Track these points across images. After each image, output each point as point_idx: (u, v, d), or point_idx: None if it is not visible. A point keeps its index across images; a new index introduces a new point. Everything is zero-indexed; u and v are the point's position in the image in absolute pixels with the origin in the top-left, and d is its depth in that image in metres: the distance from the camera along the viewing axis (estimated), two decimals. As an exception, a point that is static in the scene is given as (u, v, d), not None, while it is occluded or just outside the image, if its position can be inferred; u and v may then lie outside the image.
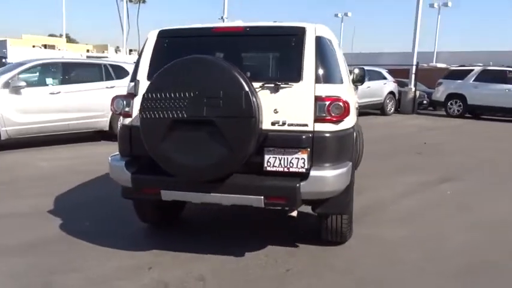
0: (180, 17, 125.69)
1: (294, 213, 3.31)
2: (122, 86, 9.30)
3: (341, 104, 3.13)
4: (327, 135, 3.12)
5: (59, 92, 8.17)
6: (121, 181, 3.41)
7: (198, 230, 4.18)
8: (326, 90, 3.16)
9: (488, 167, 7.46)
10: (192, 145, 2.97)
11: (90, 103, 8.54)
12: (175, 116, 2.94)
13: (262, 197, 3.05)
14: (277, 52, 3.51)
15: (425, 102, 19.14)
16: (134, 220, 4.11)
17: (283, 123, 3.12)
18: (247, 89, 2.89)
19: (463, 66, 17.32)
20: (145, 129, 3.05)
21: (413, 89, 17.78)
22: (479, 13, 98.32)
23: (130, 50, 47.06)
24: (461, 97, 15.87)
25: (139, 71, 3.45)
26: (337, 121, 3.15)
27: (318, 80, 3.16)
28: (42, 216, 4.42)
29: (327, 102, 3.11)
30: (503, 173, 7.01)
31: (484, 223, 4.50)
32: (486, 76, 15.64)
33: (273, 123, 3.12)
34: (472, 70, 16.19)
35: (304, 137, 3.08)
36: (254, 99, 2.90)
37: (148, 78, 3.38)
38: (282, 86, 3.13)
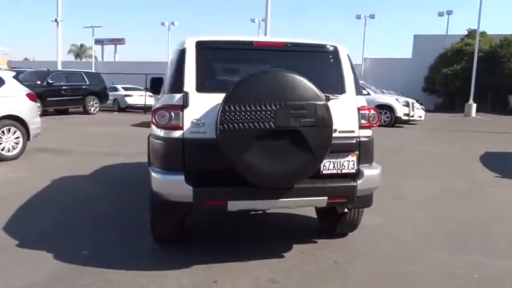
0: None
1: (345, 210, 3.72)
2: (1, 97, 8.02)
3: (375, 112, 3.67)
4: (367, 139, 3.62)
5: None
6: (176, 196, 3.27)
7: (208, 241, 4.16)
8: (362, 101, 3.67)
9: (388, 163, 8.88)
10: (276, 154, 3.10)
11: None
12: (262, 126, 3.03)
13: (326, 198, 3.39)
14: (316, 67, 3.80)
15: None
16: (123, 241, 4.06)
17: (335, 131, 3.49)
18: (324, 99, 3.19)
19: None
20: (227, 140, 3.04)
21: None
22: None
23: None
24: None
25: (186, 82, 3.36)
26: (371, 127, 3.68)
27: (356, 92, 3.64)
28: (18, 251, 3.79)
29: (367, 112, 3.62)
30: (403, 166, 8.43)
31: (420, 205, 5.61)
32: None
33: None
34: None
35: (354, 141, 3.53)
36: (330, 109, 3.22)
37: (198, 89, 3.35)
38: (331, 97, 3.50)
